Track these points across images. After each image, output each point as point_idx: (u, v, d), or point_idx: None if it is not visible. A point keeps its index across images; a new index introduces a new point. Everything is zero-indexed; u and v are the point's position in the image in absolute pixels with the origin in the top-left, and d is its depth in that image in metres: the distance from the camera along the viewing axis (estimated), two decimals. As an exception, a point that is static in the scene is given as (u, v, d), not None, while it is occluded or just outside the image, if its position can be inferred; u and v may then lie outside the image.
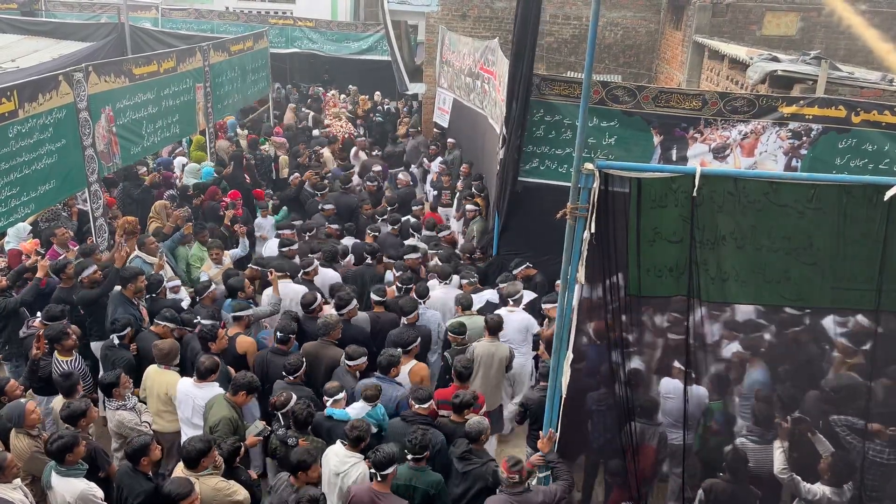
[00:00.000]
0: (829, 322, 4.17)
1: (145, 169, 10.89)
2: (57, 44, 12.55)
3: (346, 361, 5.76)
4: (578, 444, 4.62)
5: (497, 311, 6.68)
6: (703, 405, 4.37)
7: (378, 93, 18.07)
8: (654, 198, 3.87)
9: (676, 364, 4.24)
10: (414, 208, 9.97)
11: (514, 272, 7.46)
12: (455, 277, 7.48)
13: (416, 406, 5.15)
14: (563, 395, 4.27)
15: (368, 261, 7.87)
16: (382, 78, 17.81)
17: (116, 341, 5.98)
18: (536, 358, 6.77)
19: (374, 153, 13.84)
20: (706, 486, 4.39)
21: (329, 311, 6.61)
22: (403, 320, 6.47)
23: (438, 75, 14.13)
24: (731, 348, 4.35)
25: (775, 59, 8.63)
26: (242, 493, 4.63)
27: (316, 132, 14.75)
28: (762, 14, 12.16)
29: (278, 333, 6.00)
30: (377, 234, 8.62)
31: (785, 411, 4.32)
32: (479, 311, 6.81)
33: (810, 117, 7.32)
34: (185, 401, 5.51)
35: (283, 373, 5.60)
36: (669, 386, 4.39)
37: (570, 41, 14.96)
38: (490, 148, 9.58)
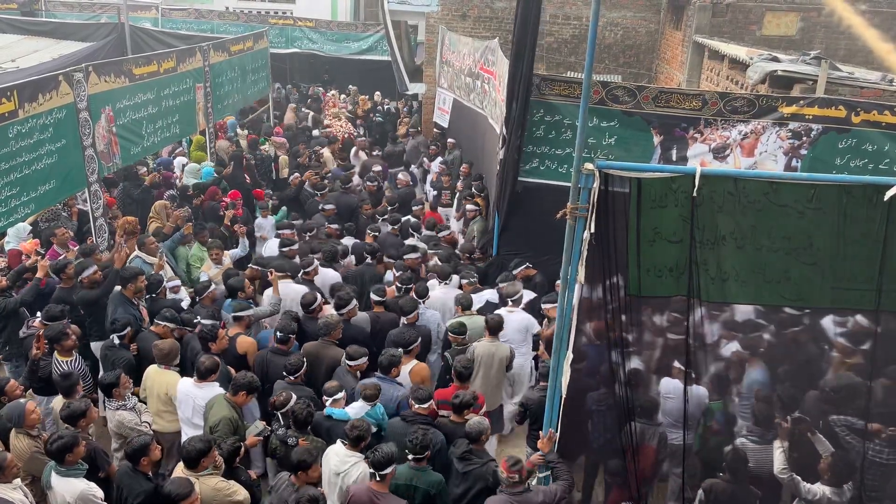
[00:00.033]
0: (827, 322, 4.18)
1: (145, 169, 10.90)
2: (57, 44, 12.55)
3: (347, 362, 5.76)
4: (578, 445, 4.62)
5: (497, 311, 6.68)
6: (703, 405, 4.38)
7: (378, 93, 18.07)
8: (654, 198, 3.86)
9: (676, 364, 4.24)
10: (414, 208, 9.97)
11: (514, 272, 7.46)
12: (455, 277, 7.49)
13: (416, 406, 5.15)
14: (563, 395, 4.27)
15: (368, 260, 7.87)
16: (382, 78, 17.81)
17: (116, 341, 5.98)
18: (536, 358, 6.77)
19: (374, 153, 13.84)
20: (706, 487, 4.39)
21: (329, 311, 6.61)
22: (403, 320, 6.47)
23: (438, 75, 14.13)
24: (731, 348, 4.35)
25: (775, 59, 8.63)
26: (242, 493, 4.64)
27: (316, 132, 14.75)
28: (762, 14, 12.16)
29: (278, 333, 6.00)
30: (377, 234, 8.62)
31: (785, 411, 4.32)
32: (479, 311, 6.81)
33: (810, 117, 7.32)
34: (186, 401, 5.51)
35: (284, 373, 5.60)
36: (669, 386, 4.39)
37: (570, 41, 14.96)
38: (490, 148, 9.58)
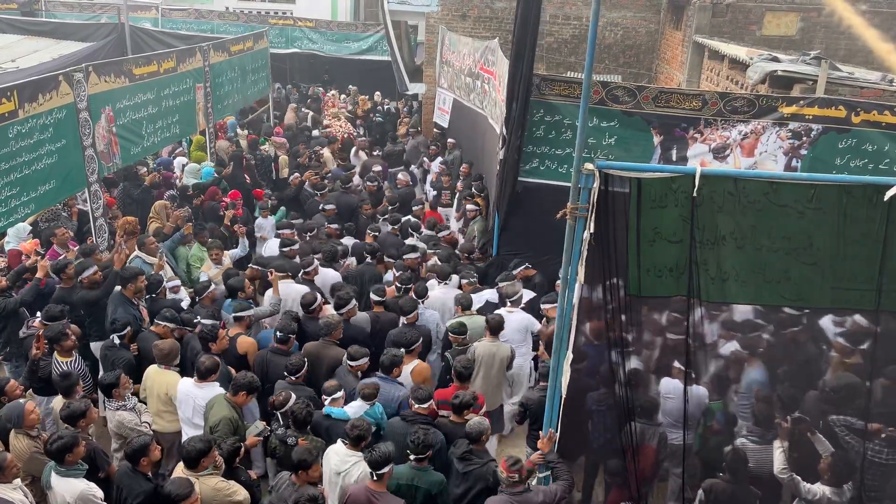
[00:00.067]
0: (826, 322, 4.18)
1: (145, 169, 10.90)
2: (57, 44, 12.55)
3: (349, 362, 5.76)
4: (578, 445, 4.62)
5: (496, 312, 6.68)
6: (703, 405, 4.38)
7: (378, 93, 18.07)
8: (654, 198, 3.86)
9: (676, 364, 4.24)
10: (414, 208, 9.97)
11: (514, 272, 7.46)
12: (454, 277, 7.48)
13: (416, 406, 5.15)
14: (563, 395, 4.27)
15: (368, 260, 7.87)
16: (382, 78, 17.81)
17: (116, 341, 5.98)
18: (536, 358, 6.78)
19: (375, 153, 13.84)
20: (706, 487, 4.39)
21: (330, 311, 6.61)
22: (402, 320, 6.47)
23: (438, 75, 14.13)
24: (731, 348, 4.35)
25: (775, 60, 8.63)
26: (242, 493, 4.64)
27: (315, 132, 14.75)
28: (762, 14, 12.16)
29: (278, 333, 6.00)
30: (377, 233, 8.62)
31: (785, 411, 4.32)
32: (479, 311, 6.81)
33: (810, 117, 7.32)
34: (186, 401, 5.51)
35: (285, 373, 5.60)
36: (669, 386, 4.39)
37: (570, 41, 14.96)
38: (490, 148, 9.58)
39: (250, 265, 7.89)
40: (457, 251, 8.52)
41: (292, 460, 4.64)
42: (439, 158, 12.73)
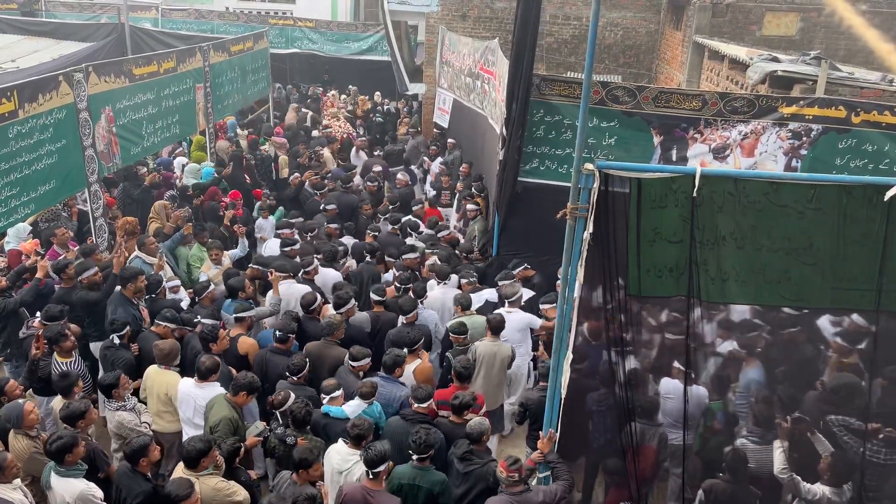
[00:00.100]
0: (824, 322, 4.18)
1: (145, 169, 10.90)
2: (57, 44, 12.56)
3: (350, 362, 5.76)
4: (578, 445, 4.62)
5: (496, 311, 6.68)
6: (703, 405, 4.38)
7: (378, 93, 18.07)
8: (654, 198, 3.86)
9: (676, 364, 4.24)
10: (414, 208, 9.97)
11: (514, 273, 7.46)
12: (454, 277, 7.48)
13: (416, 405, 5.15)
14: (563, 396, 4.27)
15: (368, 259, 7.87)
16: (382, 78, 17.81)
17: (116, 341, 5.98)
18: (535, 358, 6.78)
19: (375, 153, 13.84)
20: (706, 487, 4.39)
21: (331, 311, 6.61)
22: (402, 319, 6.47)
23: (438, 75, 14.13)
24: (731, 348, 4.35)
25: (775, 60, 8.62)
26: (242, 493, 4.64)
27: (315, 133, 14.75)
28: (762, 14, 12.16)
29: (277, 332, 6.00)
30: (377, 233, 8.62)
31: (785, 411, 4.32)
32: (479, 311, 6.81)
33: (810, 117, 7.32)
34: (187, 401, 5.51)
35: (287, 373, 5.60)
36: (669, 386, 4.39)
37: (570, 41, 14.96)
38: (490, 148, 9.58)
39: (251, 265, 7.89)
40: (456, 251, 8.52)
41: (293, 459, 4.64)
42: (439, 158, 12.72)
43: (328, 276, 7.55)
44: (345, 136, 14.38)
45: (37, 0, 16.78)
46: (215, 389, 5.44)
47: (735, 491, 4.36)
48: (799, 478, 4.32)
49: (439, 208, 10.80)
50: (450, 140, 13.02)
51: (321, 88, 19.19)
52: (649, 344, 4.25)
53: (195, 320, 6.25)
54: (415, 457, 4.65)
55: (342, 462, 4.81)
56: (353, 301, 6.57)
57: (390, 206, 9.72)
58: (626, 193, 3.85)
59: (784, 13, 12.15)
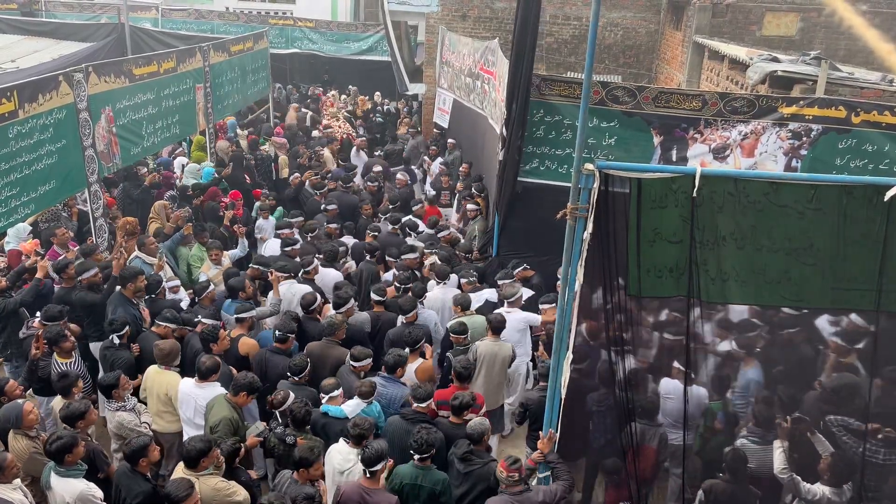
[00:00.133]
0: (822, 321, 4.19)
1: (145, 169, 10.90)
2: (57, 44, 12.56)
3: (352, 363, 5.76)
4: (578, 445, 4.62)
5: (496, 311, 6.67)
6: (703, 405, 4.38)
7: (378, 93, 18.07)
8: (654, 198, 3.86)
9: (676, 364, 4.24)
10: (414, 208, 9.97)
11: (514, 272, 7.46)
12: (453, 277, 7.48)
13: (416, 404, 5.16)
14: (563, 396, 4.27)
15: (368, 258, 7.87)
16: (382, 78, 17.81)
17: (116, 341, 5.98)
18: (534, 359, 6.77)
19: (376, 153, 13.84)
20: (706, 487, 4.39)
21: (331, 310, 6.61)
22: (401, 319, 6.47)
23: (438, 76, 14.13)
24: (731, 348, 4.35)
25: (775, 60, 8.62)
26: (242, 493, 4.64)
27: (315, 133, 14.75)
28: (762, 14, 12.16)
29: (277, 332, 6.00)
30: (377, 233, 8.62)
31: (785, 411, 4.32)
32: (479, 311, 6.81)
33: (810, 118, 7.32)
34: (187, 401, 5.51)
35: (288, 373, 5.60)
36: (669, 386, 4.39)
37: (570, 41, 14.96)
38: (490, 148, 9.58)
39: (251, 265, 7.89)
40: (455, 251, 8.51)
41: (293, 458, 4.65)
42: (439, 159, 12.72)
43: (329, 276, 7.55)
44: (345, 136, 14.38)
45: (37, 0, 16.78)
46: (216, 389, 5.44)
47: (735, 491, 4.36)
48: (799, 478, 4.32)
49: (439, 208, 10.79)
50: (450, 140, 13.02)
51: (321, 88, 19.20)
52: (649, 344, 4.25)
53: (196, 320, 6.25)
54: (416, 457, 4.65)
55: (343, 462, 4.82)
56: (352, 301, 6.57)
57: (390, 206, 9.72)
58: (626, 193, 3.85)
59: (784, 13, 12.15)
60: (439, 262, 7.66)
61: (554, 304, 6.32)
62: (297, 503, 4.20)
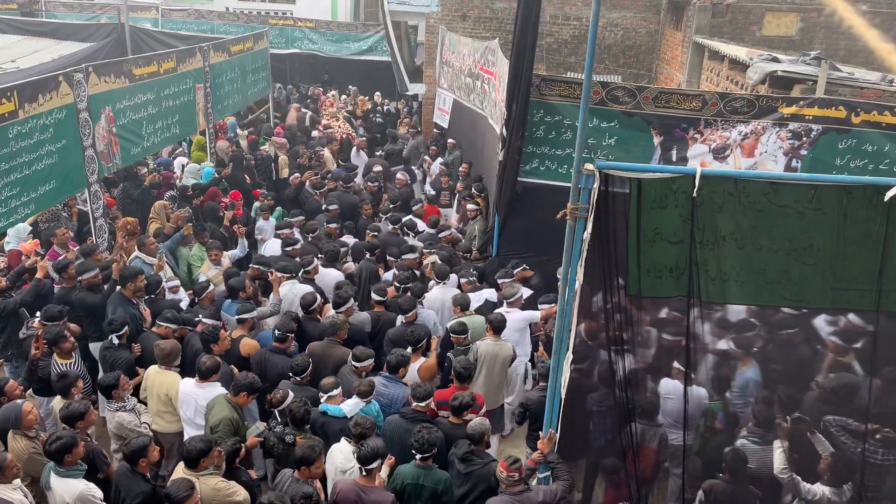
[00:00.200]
0: (820, 321, 4.19)
1: (145, 169, 10.90)
2: (57, 44, 12.56)
3: (354, 363, 5.76)
4: (578, 445, 4.61)
5: (496, 311, 6.67)
6: (703, 406, 4.38)
7: (378, 93, 18.07)
8: (654, 198, 3.86)
9: (676, 364, 4.24)
10: (414, 208, 9.97)
11: (514, 272, 7.46)
12: (454, 276, 7.48)
13: (415, 403, 5.16)
14: (563, 396, 4.27)
15: (367, 256, 7.87)
16: (382, 78, 17.81)
17: (115, 341, 5.98)
18: (534, 359, 6.77)
19: (377, 153, 13.85)
20: (706, 487, 4.39)
21: (331, 310, 6.61)
22: (401, 318, 6.47)
23: (438, 76, 14.13)
24: (731, 348, 4.35)
25: (775, 60, 8.62)
26: (242, 493, 4.64)
27: (315, 133, 14.75)
28: (762, 15, 12.16)
29: (276, 332, 6.00)
30: (377, 233, 8.62)
31: (785, 411, 4.32)
32: (478, 311, 6.81)
33: (810, 118, 7.32)
34: (188, 401, 5.51)
35: (290, 374, 5.60)
36: (669, 386, 4.39)
37: (570, 42, 14.96)
38: (490, 148, 9.58)
39: (252, 265, 7.89)
40: (456, 250, 8.51)
41: (294, 456, 4.65)
42: (439, 159, 12.72)
43: (329, 276, 7.54)
44: (344, 136, 14.38)
45: (37, 0, 16.79)
46: (216, 389, 5.44)
47: (735, 491, 4.36)
48: (799, 478, 4.32)
49: (439, 209, 10.79)
50: (450, 140, 13.02)
51: (321, 88, 19.20)
52: (649, 344, 4.24)
53: (196, 319, 6.25)
54: (418, 456, 4.66)
55: (346, 461, 4.82)
56: (352, 300, 6.57)
57: (390, 206, 9.72)
58: (626, 194, 3.85)
59: (784, 13, 12.15)
60: (440, 262, 7.66)
61: (553, 304, 6.32)
62: (296, 502, 4.19)
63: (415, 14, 20.38)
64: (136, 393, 5.82)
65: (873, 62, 11.51)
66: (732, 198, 3.86)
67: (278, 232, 8.54)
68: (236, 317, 6.44)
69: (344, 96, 18.20)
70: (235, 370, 5.83)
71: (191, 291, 7.31)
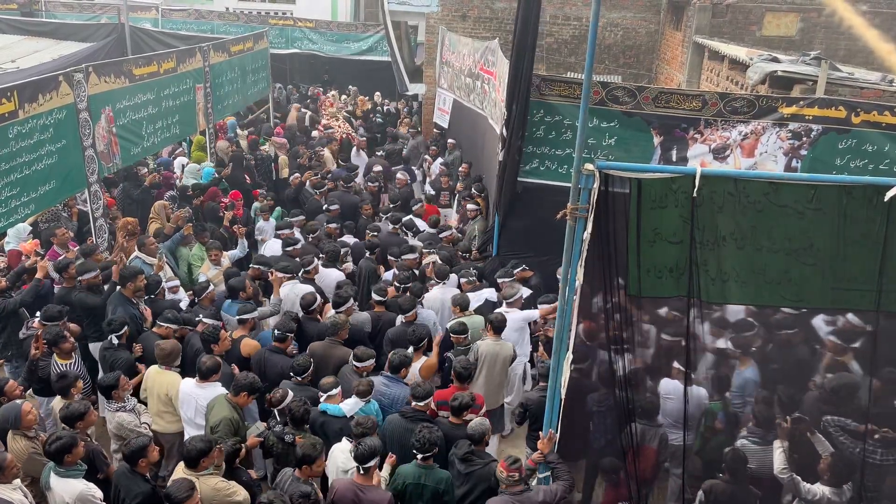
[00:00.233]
0: (818, 321, 4.19)
1: (145, 169, 10.90)
2: (57, 44, 12.56)
3: (355, 363, 5.76)
4: (579, 445, 4.61)
5: (496, 311, 6.67)
6: (703, 406, 4.38)
7: (378, 93, 18.07)
8: (654, 198, 3.86)
9: (676, 364, 4.24)
10: (414, 207, 9.97)
11: (514, 272, 7.45)
12: (453, 276, 7.48)
13: (415, 403, 5.16)
14: (563, 396, 4.27)
15: (367, 255, 7.86)
16: (382, 78, 17.82)
17: (115, 341, 5.98)
18: (533, 359, 6.77)
19: (377, 153, 13.85)
20: (706, 487, 4.39)
21: (331, 310, 6.61)
22: (400, 318, 6.47)
23: (438, 76, 14.13)
24: (731, 348, 4.35)
25: (775, 60, 8.62)
26: (242, 493, 4.64)
27: (315, 133, 14.76)
28: (762, 15, 12.16)
29: (276, 331, 6.00)
30: (377, 233, 8.63)
31: (784, 411, 4.32)
32: (478, 311, 6.81)
33: (810, 118, 7.32)
34: (188, 401, 5.51)
35: (291, 374, 5.60)
36: (669, 386, 4.39)
37: (570, 42, 14.96)
38: (490, 148, 9.59)
39: (252, 265, 7.89)
40: (456, 250, 8.51)
41: (295, 455, 4.65)
42: (439, 159, 12.72)
43: (330, 276, 7.54)
44: (344, 136, 14.38)
45: (37, 0, 16.78)
46: (216, 389, 5.44)
47: (735, 491, 4.36)
48: (799, 478, 4.32)
49: (438, 209, 10.79)
50: (450, 140, 13.02)
51: (321, 88, 19.20)
52: (649, 344, 4.25)
53: (196, 319, 6.24)
54: (419, 456, 4.66)
55: (347, 461, 4.81)
56: (352, 300, 6.57)
57: (391, 206, 9.72)
58: (626, 194, 3.85)
59: (784, 13, 12.15)
60: (440, 262, 7.65)
61: (552, 304, 6.32)
62: (294, 501, 4.20)
63: (415, 14, 20.38)
64: (136, 393, 5.82)
65: (873, 62, 11.50)
66: (732, 198, 3.86)
67: (278, 232, 8.54)
68: (237, 317, 6.44)
69: (344, 96, 18.19)
70: (236, 370, 5.84)
71: (191, 291, 7.31)
